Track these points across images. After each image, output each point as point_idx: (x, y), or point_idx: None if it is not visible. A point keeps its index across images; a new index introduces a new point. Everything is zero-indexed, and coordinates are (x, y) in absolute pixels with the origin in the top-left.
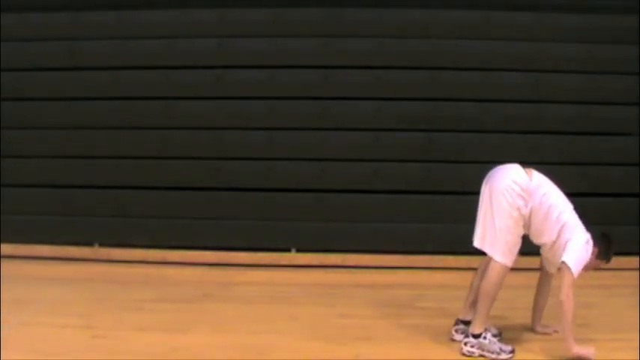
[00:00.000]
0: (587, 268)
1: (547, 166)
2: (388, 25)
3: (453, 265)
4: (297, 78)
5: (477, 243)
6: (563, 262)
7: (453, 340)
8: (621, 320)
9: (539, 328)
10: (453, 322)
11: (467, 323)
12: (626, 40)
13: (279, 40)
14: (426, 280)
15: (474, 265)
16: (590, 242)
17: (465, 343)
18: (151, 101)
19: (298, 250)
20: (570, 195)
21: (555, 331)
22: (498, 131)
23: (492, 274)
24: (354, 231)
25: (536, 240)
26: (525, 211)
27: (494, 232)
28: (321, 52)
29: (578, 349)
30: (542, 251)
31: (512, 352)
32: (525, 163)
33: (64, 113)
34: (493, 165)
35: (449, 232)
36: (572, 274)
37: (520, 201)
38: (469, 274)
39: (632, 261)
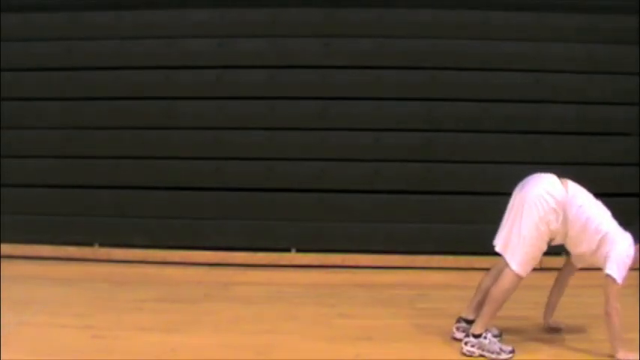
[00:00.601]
0: (632, 267)
1: (547, 166)
2: (388, 25)
3: (453, 265)
4: (297, 78)
5: (498, 248)
6: (608, 275)
7: (454, 339)
8: (621, 320)
9: (550, 323)
10: (453, 321)
11: (469, 322)
12: (626, 40)
13: (279, 40)
14: (426, 280)
15: (475, 265)
16: (632, 248)
17: (466, 343)
18: (151, 101)
19: (298, 250)
20: None
21: (563, 328)
22: (498, 131)
23: (505, 282)
24: (354, 231)
25: (573, 250)
26: (554, 227)
27: (517, 240)
28: (321, 52)
29: (622, 355)
30: (577, 253)
31: (512, 352)
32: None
33: (64, 113)
34: (493, 165)
35: (449, 232)
36: (617, 285)
37: (552, 215)
38: (469, 274)
39: None
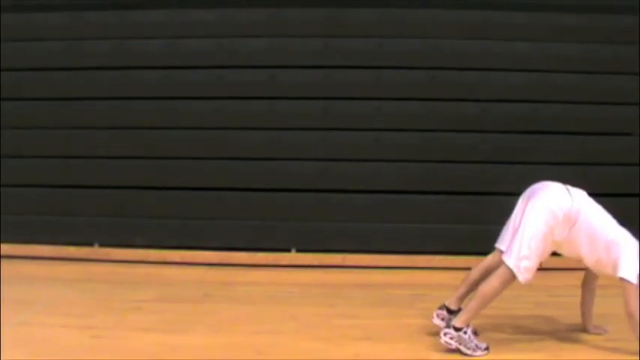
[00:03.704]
0: None
1: (547, 166)
2: (388, 25)
3: (453, 265)
4: (297, 78)
5: (499, 243)
6: (621, 278)
7: (433, 323)
8: (621, 320)
9: (591, 329)
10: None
11: (450, 312)
12: (626, 40)
13: (279, 40)
14: (426, 280)
15: (474, 266)
16: (637, 248)
17: (445, 334)
18: (151, 101)
19: (298, 250)
20: None
21: (605, 331)
22: (498, 131)
23: (497, 281)
24: (354, 231)
25: (575, 257)
26: (560, 238)
27: (521, 245)
28: (321, 52)
29: None
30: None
31: (487, 349)
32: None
33: (64, 113)
34: (493, 165)
35: (449, 232)
36: (633, 285)
37: (559, 228)
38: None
39: None
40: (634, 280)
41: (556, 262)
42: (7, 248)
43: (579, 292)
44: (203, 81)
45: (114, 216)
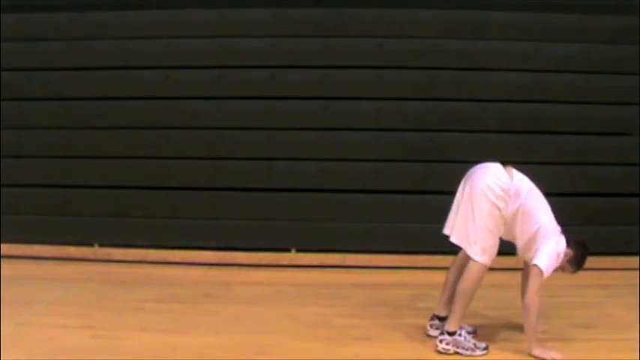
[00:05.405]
0: (555, 269)
1: (547, 166)
2: (388, 25)
3: None
4: (297, 78)
5: (454, 239)
6: (535, 265)
7: (428, 336)
8: (621, 320)
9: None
10: None
11: (441, 319)
12: (626, 40)
13: (279, 40)
14: (426, 280)
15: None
16: (563, 246)
17: (441, 341)
18: (151, 101)
19: (298, 250)
20: (570, 195)
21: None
22: (498, 131)
23: (471, 274)
24: (354, 231)
25: (510, 239)
26: (505, 212)
27: (474, 231)
28: (321, 52)
29: (539, 352)
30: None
31: (486, 348)
32: (506, 162)
33: (64, 113)
34: None
35: None
36: (542, 278)
37: (501, 202)
38: None
39: (632, 261)
40: (545, 272)
41: None
42: (7, 248)
43: (579, 292)
44: (203, 81)
45: (114, 216)
